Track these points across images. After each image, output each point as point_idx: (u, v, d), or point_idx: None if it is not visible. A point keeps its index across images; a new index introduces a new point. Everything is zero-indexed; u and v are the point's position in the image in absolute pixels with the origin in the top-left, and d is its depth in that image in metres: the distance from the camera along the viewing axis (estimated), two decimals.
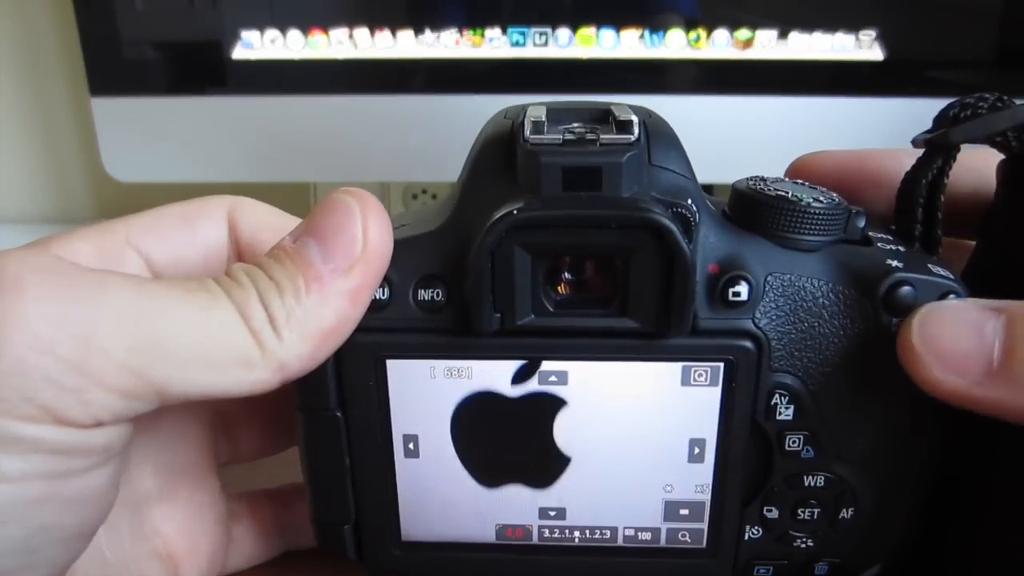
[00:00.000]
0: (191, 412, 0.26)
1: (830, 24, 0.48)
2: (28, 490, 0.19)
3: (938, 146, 0.23)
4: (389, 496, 0.24)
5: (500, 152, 0.21)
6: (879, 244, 0.23)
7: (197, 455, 0.26)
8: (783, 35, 0.48)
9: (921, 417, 0.22)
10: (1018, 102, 0.22)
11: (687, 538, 0.24)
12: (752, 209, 0.22)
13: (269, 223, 0.26)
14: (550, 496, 0.24)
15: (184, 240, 0.25)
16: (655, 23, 0.48)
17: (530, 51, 0.49)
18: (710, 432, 0.23)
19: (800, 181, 0.24)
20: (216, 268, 0.25)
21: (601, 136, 0.20)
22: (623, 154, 0.20)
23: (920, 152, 0.23)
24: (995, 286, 0.22)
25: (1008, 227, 0.23)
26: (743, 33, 0.48)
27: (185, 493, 0.26)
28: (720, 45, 0.48)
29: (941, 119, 0.23)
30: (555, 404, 0.23)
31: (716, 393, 0.22)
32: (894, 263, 0.22)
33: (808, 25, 0.48)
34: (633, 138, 0.20)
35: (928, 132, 0.23)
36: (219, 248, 0.25)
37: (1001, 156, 0.23)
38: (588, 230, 0.20)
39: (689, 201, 0.21)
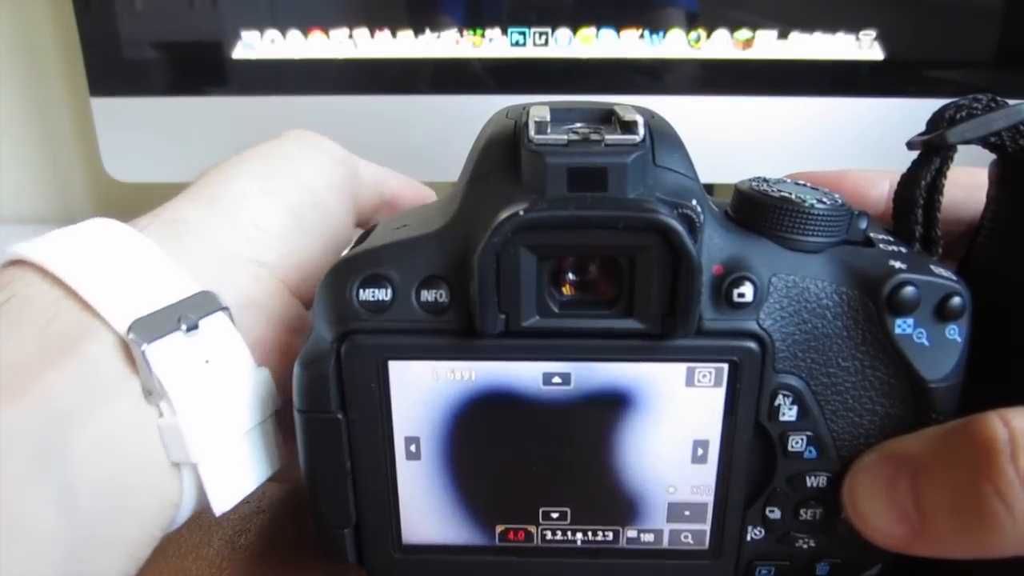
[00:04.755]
0: None
1: (830, 24, 0.48)
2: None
3: (935, 148, 0.23)
4: (390, 499, 0.24)
5: (503, 152, 0.21)
6: (881, 245, 0.23)
7: None
8: (783, 35, 0.48)
9: (923, 418, 0.22)
10: (1011, 103, 0.22)
11: (690, 539, 0.24)
12: (756, 210, 0.22)
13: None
14: (553, 498, 0.24)
15: None
16: (655, 23, 0.48)
17: (530, 51, 0.49)
18: (714, 433, 0.22)
19: (802, 182, 0.24)
20: None
21: (606, 136, 0.20)
22: (629, 155, 0.20)
23: (892, 167, 0.24)
24: (988, 285, 0.22)
25: (1001, 225, 0.23)
26: (743, 33, 0.48)
27: None
28: (720, 45, 0.48)
29: (936, 121, 0.23)
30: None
31: (720, 394, 0.22)
32: (897, 264, 0.22)
33: (808, 25, 0.48)
34: (638, 139, 0.20)
35: (923, 134, 0.23)
36: None
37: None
38: (594, 231, 0.20)
39: (694, 202, 0.20)
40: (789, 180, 0.24)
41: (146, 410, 0.22)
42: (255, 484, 0.24)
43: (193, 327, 0.23)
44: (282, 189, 0.28)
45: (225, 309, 0.24)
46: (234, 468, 0.24)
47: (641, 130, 0.20)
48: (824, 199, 0.22)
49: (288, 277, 0.27)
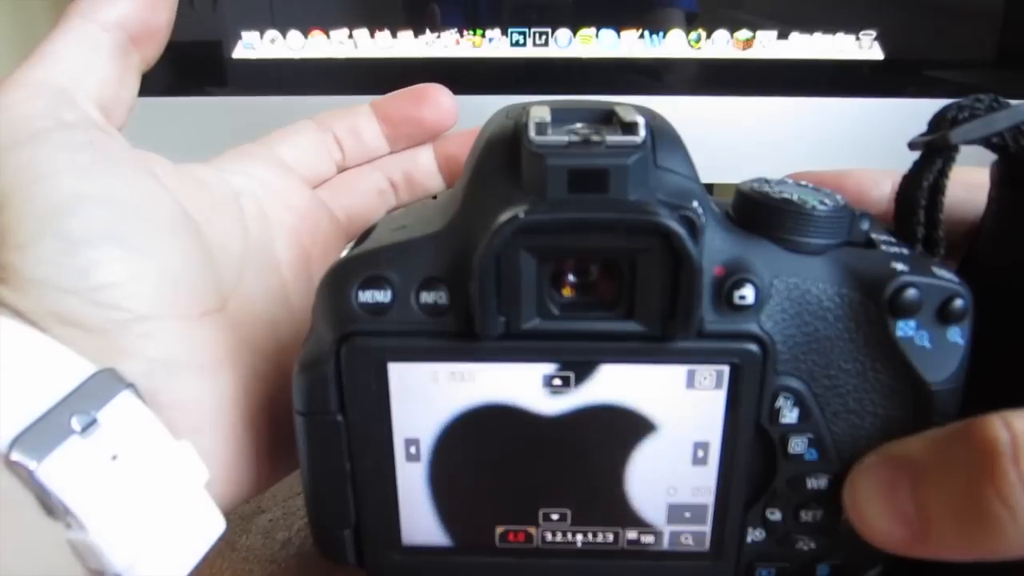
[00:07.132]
0: None
1: (830, 24, 0.48)
2: None
3: (937, 148, 0.23)
4: (390, 500, 0.24)
5: (503, 153, 0.21)
6: (883, 246, 0.23)
7: None
8: (783, 35, 0.48)
9: (924, 420, 0.22)
10: (1014, 103, 0.22)
11: (690, 541, 0.24)
12: (757, 212, 0.22)
13: None
14: (553, 499, 0.24)
15: None
16: (655, 23, 0.48)
17: (530, 51, 0.49)
18: (714, 435, 0.22)
19: (804, 183, 0.24)
20: None
21: (607, 138, 0.20)
22: (629, 156, 0.19)
23: (893, 167, 0.24)
24: (989, 285, 0.22)
25: (1002, 226, 0.23)
26: (743, 33, 0.48)
27: None
28: (720, 45, 0.48)
29: (938, 121, 0.23)
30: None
31: (721, 396, 0.22)
32: (899, 266, 0.22)
33: (808, 25, 0.48)
34: (640, 140, 0.20)
35: (925, 134, 0.23)
36: None
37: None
38: (595, 233, 0.20)
39: (695, 204, 0.20)
40: (790, 181, 0.24)
41: (50, 525, 0.19)
42: (196, 560, 0.22)
43: (91, 424, 0.20)
44: (91, 237, 0.22)
45: (130, 387, 0.21)
46: (165, 558, 0.21)
47: (642, 131, 0.20)
48: (826, 200, 0.22)
49: (187, 304, 0.23)
